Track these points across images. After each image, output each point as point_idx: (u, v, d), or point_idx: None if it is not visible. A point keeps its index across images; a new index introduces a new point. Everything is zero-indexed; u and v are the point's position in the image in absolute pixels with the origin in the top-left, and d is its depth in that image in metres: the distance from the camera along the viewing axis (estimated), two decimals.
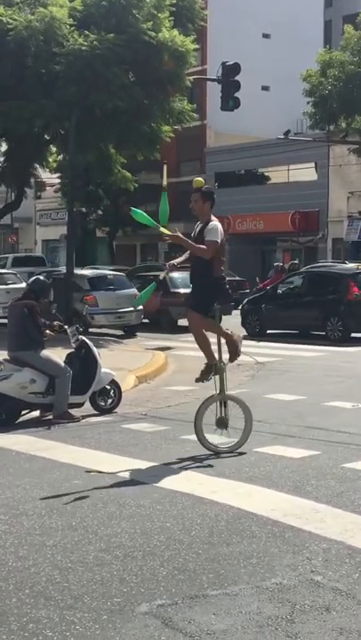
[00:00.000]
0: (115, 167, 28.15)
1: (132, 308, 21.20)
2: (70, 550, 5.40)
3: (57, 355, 10.55)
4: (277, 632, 4.18)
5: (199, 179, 8.22)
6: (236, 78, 21.88)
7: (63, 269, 24.88)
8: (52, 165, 30.68)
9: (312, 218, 41.90)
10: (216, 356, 8.19)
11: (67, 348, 10.97)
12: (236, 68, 21.92)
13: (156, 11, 21.76)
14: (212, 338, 8.26)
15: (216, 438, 8.15)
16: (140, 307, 21.02)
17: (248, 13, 46.94)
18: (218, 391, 8.14)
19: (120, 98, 21.21)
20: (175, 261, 8.11)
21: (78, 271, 23.41)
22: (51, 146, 27.45)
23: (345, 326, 19.43)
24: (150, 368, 14.52)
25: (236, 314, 19.25)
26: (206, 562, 5.16)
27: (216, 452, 8.03)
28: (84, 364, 10.50)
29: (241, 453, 8.01)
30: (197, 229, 8.09)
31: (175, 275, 22.40)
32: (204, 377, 8.30)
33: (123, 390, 11.23)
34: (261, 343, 19.42)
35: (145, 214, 7.94)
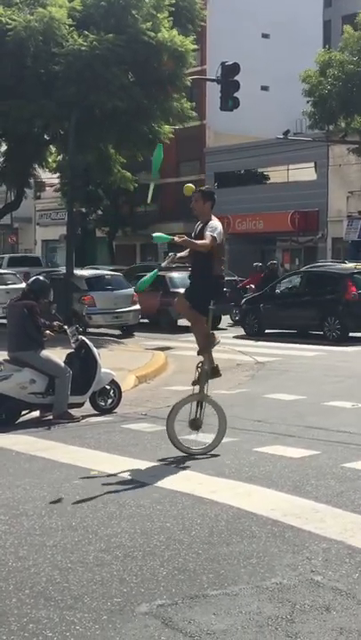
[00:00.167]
0: (114, 167, 28.12)
1: (130, 308, 21.68)
2: (70, 550, 5.40)
3: (57, 355, 10.55)
4: (277, 632, 4.19)
5: (190, 185, 8.24)
6: (236, 78, 21.87)
7: (63, 269, 24.89)
8: (51, 165, 30.63)
9: (312, 217, 41.87)
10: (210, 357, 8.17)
11: (67, 348, 10.97)
12: (235, 68, 21.92)
13: (156, 11, 21.77)
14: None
15: (191, 439, 8.06)
16: (138, 306, 21.42)
17: (248, 13, 46.90)
18: (198, 391, 8.08)
19: (120, 98, 21.21)
20: (181, 254, 8.17)
21: (76, 271, 23.43)
22: (50, 146, 27.41)
23: (343, 326, 19.46)
24: (150, 368, 14.53)
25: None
26: (206, 562, 5.16)
27: (189, 454, 7.93)
28: (83, 364, 10.51)
29: (214, 455, 7.90)
30: (198, 229, 8.11)
31: (175, 275, 22.50)
32: (211, 377, 8.25)
33: (123, 390, 11.23)
34: (260, 343, 19.46)
35: (162, 235, 7.96)
